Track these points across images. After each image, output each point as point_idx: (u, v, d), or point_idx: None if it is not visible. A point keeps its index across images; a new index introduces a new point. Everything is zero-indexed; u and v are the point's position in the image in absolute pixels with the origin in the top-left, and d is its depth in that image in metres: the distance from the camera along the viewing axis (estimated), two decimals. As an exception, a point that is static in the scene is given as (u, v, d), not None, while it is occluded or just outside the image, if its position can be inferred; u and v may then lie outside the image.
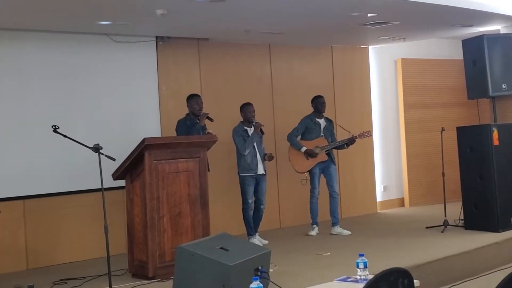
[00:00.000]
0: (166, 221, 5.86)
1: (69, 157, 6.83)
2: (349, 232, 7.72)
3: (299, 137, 7.76)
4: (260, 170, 7.30)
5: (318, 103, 7.77)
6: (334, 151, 8.02)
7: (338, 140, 7.81)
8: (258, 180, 7.31)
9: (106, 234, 4.82)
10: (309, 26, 7.64)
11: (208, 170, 6.42)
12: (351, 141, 7.73)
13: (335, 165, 7.81)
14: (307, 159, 7.63)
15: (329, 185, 7.79)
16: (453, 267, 6.18)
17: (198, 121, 6.77)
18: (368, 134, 7.82)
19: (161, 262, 5.79)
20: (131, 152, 5.85)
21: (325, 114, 7.87)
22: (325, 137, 7.72)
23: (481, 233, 7.22)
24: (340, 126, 7.90)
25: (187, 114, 6.89)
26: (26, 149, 6.76)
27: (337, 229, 7.77)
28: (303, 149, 7.62)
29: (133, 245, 5.97)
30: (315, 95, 7.90)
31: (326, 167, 7.75)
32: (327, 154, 7.69)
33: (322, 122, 7.77)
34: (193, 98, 6.92)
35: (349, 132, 7.85)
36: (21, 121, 6.77)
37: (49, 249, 6.86)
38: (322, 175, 7.81)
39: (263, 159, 7.35)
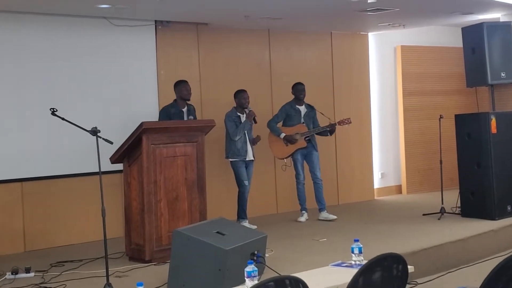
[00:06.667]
0: (163, 205, 5.88)
1: (67, 140, 6.84)
2: (334, 217, 7.77)
3: (281, 124, 7.83)
4: (250, 156, 7.38)
5: (297, 90, 7.81)
6: (325, 138, 8.05)
7: (319, 127, 7.86)
8: (247, 165, 7.40)
9: (103, 217, 4.83)
10: (308, 11, 7.61)
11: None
12: (331, 128, 7.77)
13: (317, 151, 7.86)
14: (286, 145, 7.72)
15: (312, 172, 7.86)
16: (449, 254, 6.21)
17: (182, 108, 6.78)
18: (348, 121, 7.85)
19: (158, 246, 5.82)
20: (129, 136, 5.86)
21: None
22: (305, 124, 7.78)
23: (477, 220, 7.24)
24: (321, 113, 7.94)
25: (174, 101, 6.90)
26: (24, 132, 6.77)
27: (324, 214, 7.83)
28: (282, 135, 7.70)
29: (130, 228, 5.99)
30: (297, 82, 7.90)
31: (308, 154, 7.82)
32: (307, 140, 7.75)
33: (302, 109, 7.83)
34: (181, 84, 6.92)
35: (329, 119, 7.92)
36: (19, 103, 6.77)
37: (46, 232, 6.88)
38: (305, 162, 7.87)
39: (252, 145, 7.40)
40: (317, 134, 7.87)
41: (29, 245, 6.79)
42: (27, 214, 6.81)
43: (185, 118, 6.85)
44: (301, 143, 7.74)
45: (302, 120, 7.80)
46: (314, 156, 7.84)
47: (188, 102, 6.97)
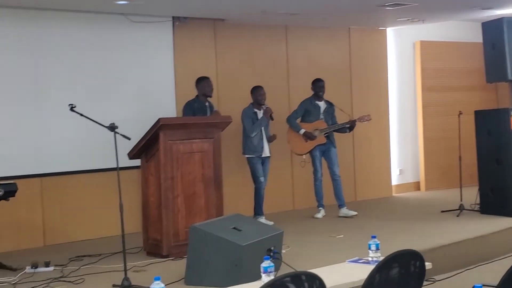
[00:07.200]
0: (180, 201, 5.90)
1: (85, 136, 6.88)
2: (355, 213, 7.76)
3: (299, 119, 7.82)
4: (266, 153, 7.40)
5: (316, 86, 7.80)
6: (339, 135, 8.04)
7: (338, 123, 7.84)
8: (263, 161, 7.42)
9: (121, 212, 4.85)
10: (326, 7, 7.58)
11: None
12: (351, 125, 7.74)
13: (335, 148, 7.84)
14: (306, 142, 7.70)
15: (330, 168, 7.86)
16: (468, 251, 6.17)
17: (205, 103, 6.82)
18: (368, 118, 7.83)
19: (175, 241, 5.84)
20: (146, 132, 5.89)
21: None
22: (324, 120, 7.77)
23: (497, 217, 7.18)
24: (340, 109, 7.92)
25: (196, 96, 6.94)
26: (43, 127, 6.83)
27: (343, 211, 7.82)
28: (302, 131, 7.68)
29: (148, 224, 6.03)
30: (317, 78, 7.88)
31: (326, 150, 7.81)
32: (326, 137, 7.73)
33: (322, 105, 7.81)
34: (204, 80, 6.99)
35: (349, 115, 7.89)
36: (38, 100, 6.82)
37: (65, 227, 6.95)
38: (323, 158, 7.86)
39: (269, 142, 7.40)
40: (336, 131, 7.84)
41: (48, 239, 6.86)
42: (46, 209, 6.87)
43: (208, 113, 6.88)
44: (320, 139, 7.72)
45: (321, 116, 7.77)
46: (332, 153, 7.82)
47: (209, 99, 7.01)
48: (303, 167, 7.82)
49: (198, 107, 6.87)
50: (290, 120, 7.79)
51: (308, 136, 7.68)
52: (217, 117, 6.75)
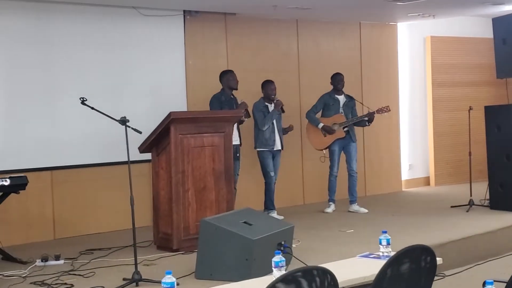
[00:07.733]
0: (191, 194, 5.91)
1: (96, 129, 6.90)
2: (366, 210, 7.74)
3: (319, 114, 7.77)
4: (277, 146, 7.38)
5: (335, 80, 7.76)
6: (359, 128, 8.00)
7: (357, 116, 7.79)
8: (274, 155, 7.41)
9: (131, 206, 4.87)
10: (337, 1, 7.57)
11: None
12: (370, 117, 7.69)
13: (355, 142, 7.79)
14: (325, 136, 7.66)
15: (348, 163, 7.82)
16: (478, 246, 6.17)
17: (232, 97, 6.90)
18: (387, 109, 7.75)
19: (186, 235, 5.85)
20: (157, 126, 5.90)
21: (345, 91, 7.85)
22: (344, 114, 7.71)
23: (506, 213, 7.17)
24: (360, 102, 7.88)
25: (222, 89, 6.96)
26: (54, 121, 6.86)
27: (354, 207, 7.80)
28: (321, 125, 7.64)
29: (158, 217, 6.04)
30: (337, 72, 7.86)
31: (346, 145, 7.76)
32: (346, 131, 7.67)
33: (341, 98, 7.77)
34: (229, 73, 7.04)
35: (368, 108, 7.84)
36: (49, 93, 6.85)
37: (76, 220, 6.97)
38: (342, 152, 7.81)
39: (282, 135, 7.40)
40: (355, 124, 7.77)
41: (58, 232, 6.89)
42: (56, 202, 6.90)
43: (235, 106, 6.92)
44: (340, 133, 7.66)
45: (341, 110, 7.73)
46: (352, 148, 7.77)
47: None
48: (323, 162, 7.77)
49: (225, 100, 6.90)
50: (309, 114, 7.75)
51: (327, 130, 7.62)
52: (228, 111, 6.75)
